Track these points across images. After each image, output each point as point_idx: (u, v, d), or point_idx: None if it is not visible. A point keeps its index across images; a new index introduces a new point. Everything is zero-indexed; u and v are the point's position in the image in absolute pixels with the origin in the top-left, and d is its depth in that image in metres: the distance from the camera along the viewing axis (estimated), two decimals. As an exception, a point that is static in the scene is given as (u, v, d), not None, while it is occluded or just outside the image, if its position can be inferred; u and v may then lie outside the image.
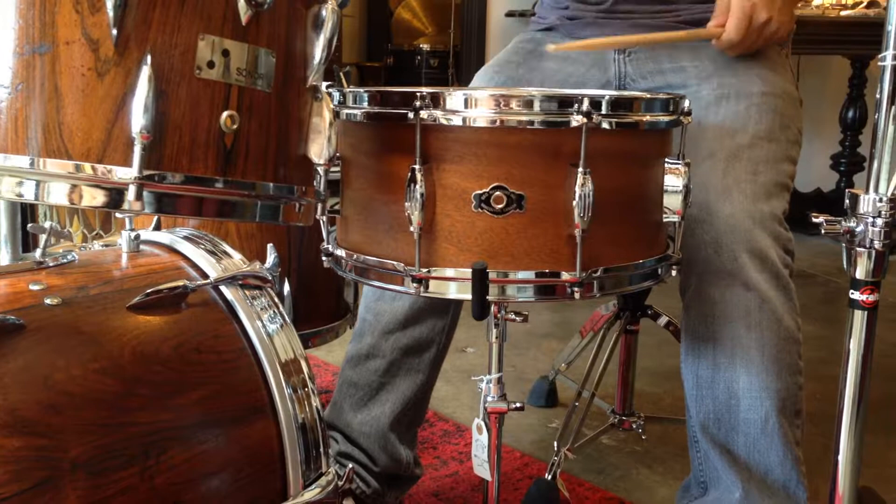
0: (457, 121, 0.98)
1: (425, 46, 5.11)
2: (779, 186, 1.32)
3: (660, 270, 1.10)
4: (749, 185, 1.28)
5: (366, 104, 1.04)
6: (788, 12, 1.34)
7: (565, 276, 0.99)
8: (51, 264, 0.95)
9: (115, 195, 0.78)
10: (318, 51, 0.91)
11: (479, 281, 0.95)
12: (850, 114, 3.92)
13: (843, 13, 3.43)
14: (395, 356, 1.45)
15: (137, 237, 1.06)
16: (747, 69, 1.39)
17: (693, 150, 1.32)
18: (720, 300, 1.27)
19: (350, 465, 1.44)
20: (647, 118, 1.04)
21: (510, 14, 4.23)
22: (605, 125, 0.98)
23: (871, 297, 0.96)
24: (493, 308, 1.05)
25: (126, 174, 0.76)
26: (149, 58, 0.77)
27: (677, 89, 1.42)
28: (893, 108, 0.95)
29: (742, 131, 1.33)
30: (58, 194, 0.77)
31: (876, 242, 0.95)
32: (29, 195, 0.77)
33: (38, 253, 0.96)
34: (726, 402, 1.30)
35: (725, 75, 1.39)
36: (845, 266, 0.98)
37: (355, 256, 1.08)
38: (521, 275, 0.99)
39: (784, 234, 1.29)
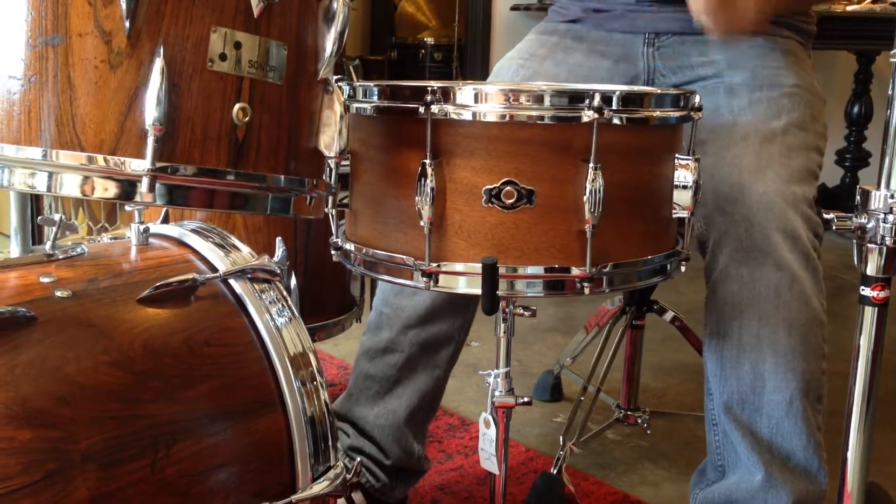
0: (467, 115, 0.98)
1: (429, 40, 5.08)
2: (810, 173, 1.32)
3: (669, 266, 1.10)
4: (783, 167, 1.28)
5: (376, 98, 1.04)
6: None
7: (575, 271, 0.99)
8: (60, 257, 0.95)
9: (128, 187, 0.78)
10: (329, 43, 0.91)
11: (490, 275, 0.95)
12: (856, 109, 3.91)
13: (850, 8, 3.42)
14: (413, 351, 1.45)
15: (146, 230, 1.06)
16: (778, 63, 1.39)
17: (725, 134, 1.32)
18: (749, 279, 1.26)
19: (358, 459, 1.45)
20: (658, 114, 1.04)
21: (515, 8, 4.21)
22: (615, 121, 0.98)
23: (882, 294, 0.96)
24: (501, 303, 1.05)
25: (139, 166, 0.76)
26: (161, 50, 0.77)
27: (709, 81, 1.41)
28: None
29: (775, 118, 1.33)
30: (70, 186, 0.77)
31: (887, 239, 0.95)
32: (41, 187, 0.77)
33: (47, 245, 0.96)
34: (751, 383, 1.29)
35: (758, 67, 1.38)
36: (856, 262, 0.98)
37: (364, 250, 1.08)
38: (531, 270, 0.99)
39: (814, 219, 1.28)
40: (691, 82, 1.44)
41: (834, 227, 0.98)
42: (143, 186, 0.76)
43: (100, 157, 0.77)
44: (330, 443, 0.99)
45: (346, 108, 0.96)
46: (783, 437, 1.29)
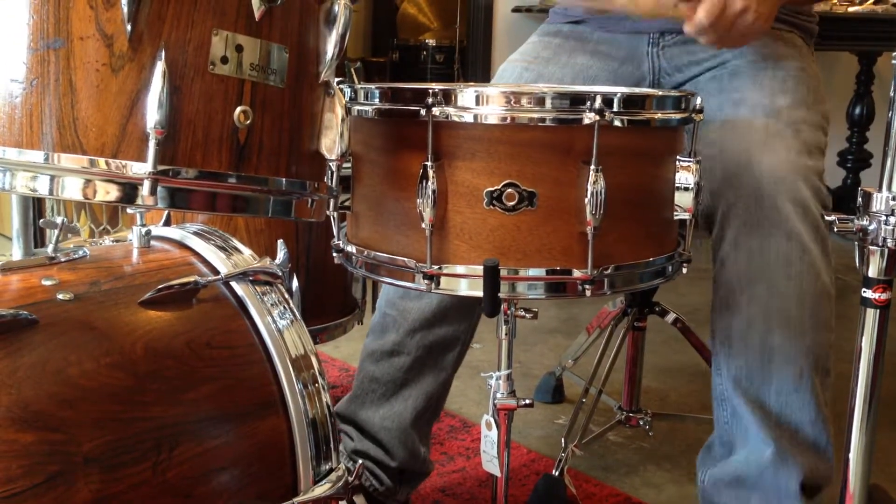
0: (468, 118, 0.98)
1: (431, 42, 5.08)
2: (817, 147, 1.32)
3: (670, 268, 1.10)
4: (792, 138, 1.28)
5: (377, 101, 1.04)
6: (769, 4, 1.26)
7: (577, 273, 0.99)
8: (62, 259, 0.96)
9: (129, 190, 0.78)
10: (331, 46, 0.91)
11: (491, 278, 0.95)
12: (857, 110, 3.91)
13: (851, 9, 3.42)
14: (420, 354, 1.45)
15: (148, 233, 1.06)
16: (782, 50, 1.39)
17: (732, 112, 1.33)
18: (758, 250, 1.25)
19: (360, 461, 1.45)
20: (659, 116, 1.04)
21: (517, 10, 4.21)
22: (616, 123, 0.98)
23: (884, 296, 0.96)
24: (503, 305, 1.05)
25: (140, 169, 0.77)
26: (163, 53, 0.77)
27: (716, 70, 1.41)
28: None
29: (781, 94, 1.33)
30: (72, 189, 0.77)
31: (889, 241, 0.94)
32: (43, 190, 0.77)
33: (49, 248, 0.96)
34: (760, 356, 1.28)
35: (763, 53, 1.38)
36: (857, 264, 0.98)
37: (366, 253, 1.08)
38: (532, 272, 0.99)
39: (823, 191, 1.28)
40: (697, 78, 1.43)
41: (835, 230, 0.98)
42: (145, 190, 0.77)
43: (101, 161, 0.77)
44: (332, 445, 0.99)
45: (348, 111, 0.97)
46: (792, 411, 1.28)
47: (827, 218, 0.98)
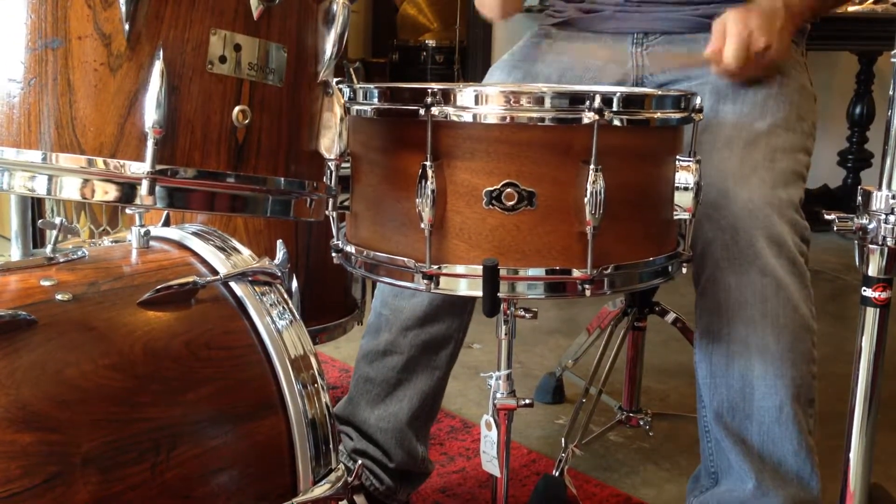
0: (467, 117, 0.97)
1: (431, 42, 5.08)
2: (795, 175, 1.32)
3: (670, 268, 1.10)
4: (767, 171, 1.28)
5: (376, 100, 1.04)
6: (787, 37, 1.30)
7: (576, 273, 0.99)
8: (61, 260, 0.96)
9: (128, 190, 0.78)
10: (329, 46, 0.91)
11: (490, 278, 0.95)
12: (858, 110, 3.90)
13: (851, 9, 3.42)
14: (413, 353, 1.45)
15: (147, 233, 1.06)
16: None
17: (710, 138, 1.32)
18: (735, 286, 1.27)
19: (360, 461, 1.45)
20: (659, 115, 1.04)
21: (516, 10, 4.22)
22: (616, 122, 0.98)
23: (884, 295, 0.96)
24: (502, 305, 1.05)
25: (139, 169, 0.76)
26: (161, 52, 0.77)
27: (696, 80, 1.41)
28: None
29: (760, 119, 1.33)
30: (70, 189, 0.77)
31: (888, 239, 0.94)
32: (41, 190, 0.77)
33: (48, 249, 0.96)
34: (741, 390, 1.29)
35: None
36: (857, 263, 0.98)
37: (365, 253, 1.08)
38: (532, 272, 0.99)
39: (801, 222, 1.28)
40: (678, 81, 1.44)
41: (835, 228, 0.98)
42: (143, 189, 0.76)
43: (99, 160, 0.77)
44: (331, 445, 0.99)
45: (347, 111, 0.96)
46: (774, 444, 1.29)
47: (826, 217, 0.98)
